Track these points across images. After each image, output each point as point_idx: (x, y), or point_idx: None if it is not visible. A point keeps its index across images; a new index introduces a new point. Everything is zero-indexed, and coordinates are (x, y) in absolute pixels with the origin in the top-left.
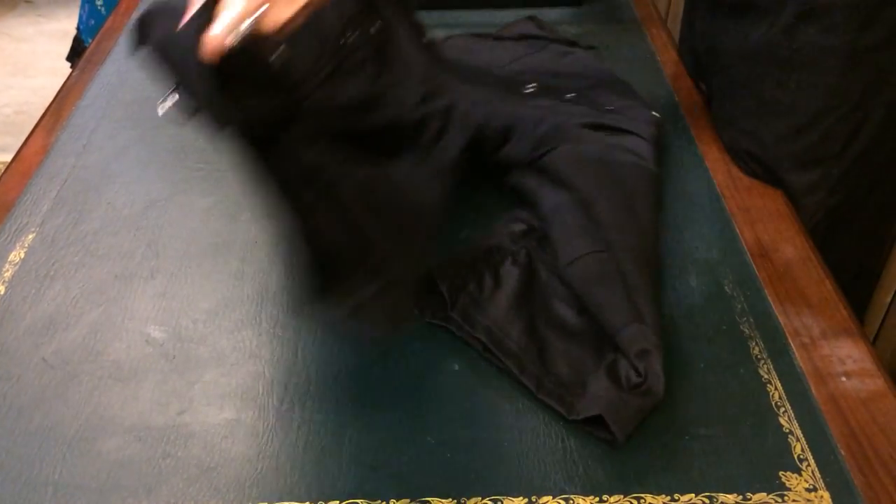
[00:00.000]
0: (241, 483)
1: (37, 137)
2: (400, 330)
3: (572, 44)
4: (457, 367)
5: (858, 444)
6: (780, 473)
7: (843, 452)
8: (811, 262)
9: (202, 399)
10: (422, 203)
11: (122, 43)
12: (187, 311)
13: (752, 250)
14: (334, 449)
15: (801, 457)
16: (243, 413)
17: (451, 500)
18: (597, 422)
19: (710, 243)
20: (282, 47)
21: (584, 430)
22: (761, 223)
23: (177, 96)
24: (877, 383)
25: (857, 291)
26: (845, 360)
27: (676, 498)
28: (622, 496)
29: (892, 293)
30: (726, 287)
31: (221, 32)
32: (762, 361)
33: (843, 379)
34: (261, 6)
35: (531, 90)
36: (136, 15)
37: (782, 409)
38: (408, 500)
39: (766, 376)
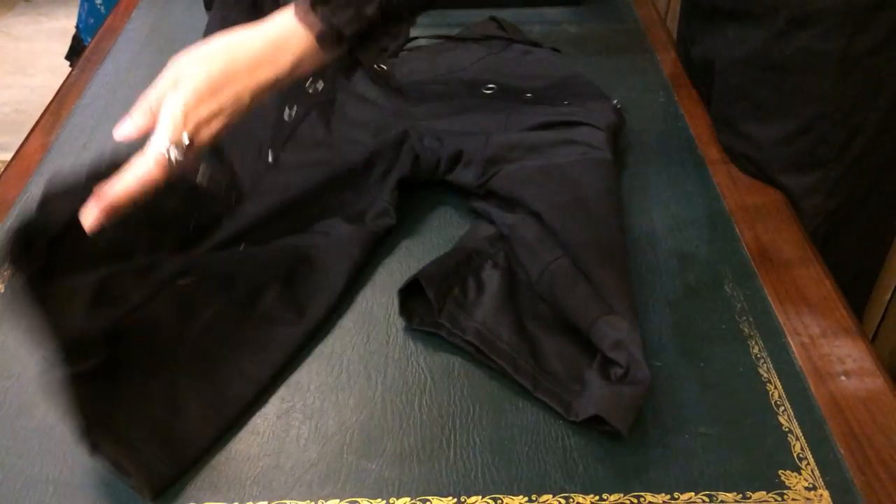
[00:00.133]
0: (242, 481)
1: (36, 136)
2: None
3: (535, 44)
4: (457, 366)
5: (858, 443)
6: (780, 472)
7: (842, 451)
8: (810, 261)
9: None
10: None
11: (122, 42)
12: None
13: (752, 250)
14: (335, 447)
15: (801, 455)
16: (244, 412)
17: (451, 498)
18: (598, 417)
19: (710, 243)
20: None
21: (586, 427)
22: (761, 223)
23: None
24: (876, 382)
25: (856, 291)
26: (845, 359)
27: (676, 496)
28: (622, 494)
29: (891, 291)
30: (726, 286)
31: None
32: (762, 360)
33: (843, 378)
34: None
35: (490, 91)
36: (136, 14)
37: (782, 408)
38: (408, 499)
39: (765, 375)
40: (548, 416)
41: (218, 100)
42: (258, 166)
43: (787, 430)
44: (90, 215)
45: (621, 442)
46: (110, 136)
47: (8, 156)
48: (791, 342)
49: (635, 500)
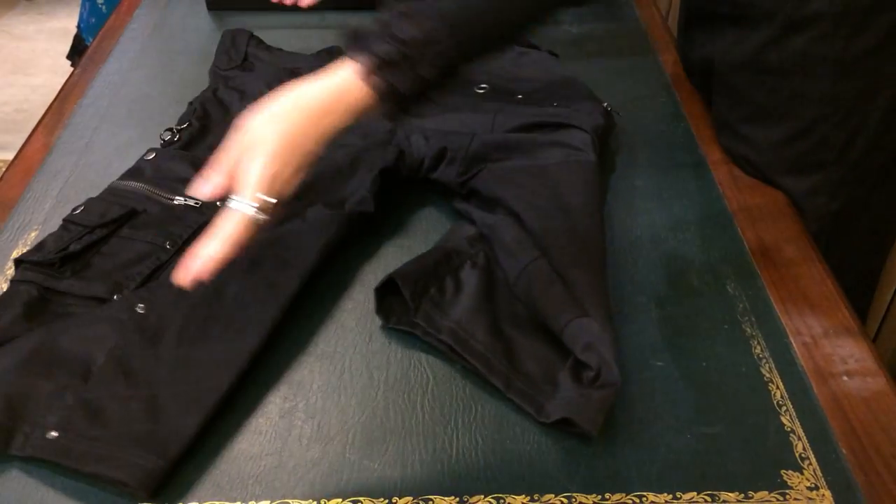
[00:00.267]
0: (245, 480)
1: (38, 136)
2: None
3: (533, 46)
4: (459, 366)
5: (860, 443)
6: (782, 472)
7: (844, 451)
8: (812, 261)
9: None
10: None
11: (124, 41)
12: None
13: (754, 250)
14: (337, 447)
15: (803, 455)
16: (246, 410)
17: (453, 497)
18: (569, 419)
19: (712, 243)
20: None
21: (558, 429)
22: (763, 223)
23: None
24: (878, 382)
25: (859, 291)
26: (847, 359)
27: (678, 496)
28: (624, 494)
29: (893, 291)
30: (728, 286)
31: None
32: (764, 360)
33: (845, 378)
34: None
35: (482, 91)
36: (137, 13)
37: (784, 408)
38: (410, 499)
39: (767, 375)
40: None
41: (295, 158)
42: None
43: (789, 429)
44: (185, 275)
45: (624, 442)
46: (112, 135)
47: (9, 155)
48: (793, 342)
49: (637, 500)
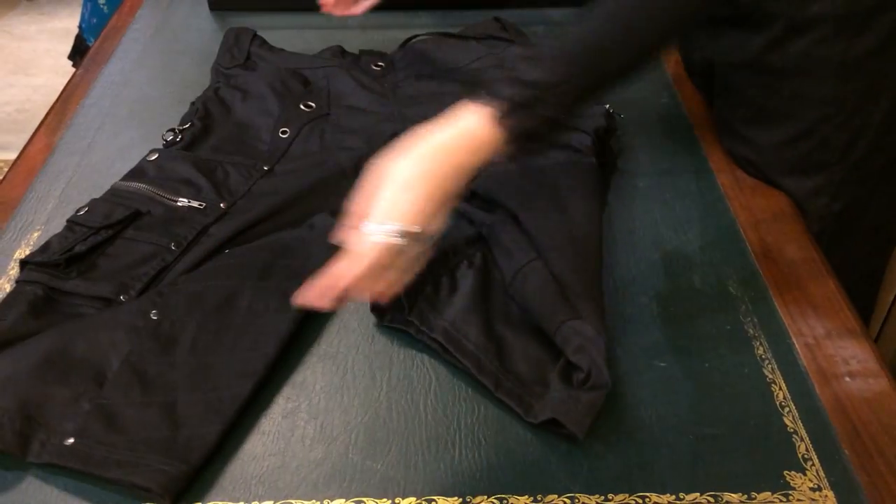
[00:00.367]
0: (248, 480)
1: (41, 136)
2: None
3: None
4: (462, 367)
5: (862, 444)
6: (785, 473)
7: (847, 452)
8: (815, 262)
9: None
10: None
11: (127, 42)
12: None
13: (757, 251)
14: (340, 447)
15: (806, 456)
16: (250, 410)
17: (457, 498)
18: (557, 420)
19: (715, 244)
20: None
21: (545, 430)
22: (765, 224)
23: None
24: (881, 383)
25: (861, 292)
26: (849, 360)
27: (681, 497)
28: (627, 495)
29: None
30: (731, 287)
31: None
32: (766, 361)
33: (848, 379)
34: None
35: None
36: (140, 14)
37: (787, 409)
38: (413, 499)
39: (770, 376)
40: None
41: (438, 196)
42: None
43: (791, 430)
44: (325, 301)
45: (626, 442)
46: (114, 136)
47: (10, 155)
48: (796, 343)
49: (640, 501)
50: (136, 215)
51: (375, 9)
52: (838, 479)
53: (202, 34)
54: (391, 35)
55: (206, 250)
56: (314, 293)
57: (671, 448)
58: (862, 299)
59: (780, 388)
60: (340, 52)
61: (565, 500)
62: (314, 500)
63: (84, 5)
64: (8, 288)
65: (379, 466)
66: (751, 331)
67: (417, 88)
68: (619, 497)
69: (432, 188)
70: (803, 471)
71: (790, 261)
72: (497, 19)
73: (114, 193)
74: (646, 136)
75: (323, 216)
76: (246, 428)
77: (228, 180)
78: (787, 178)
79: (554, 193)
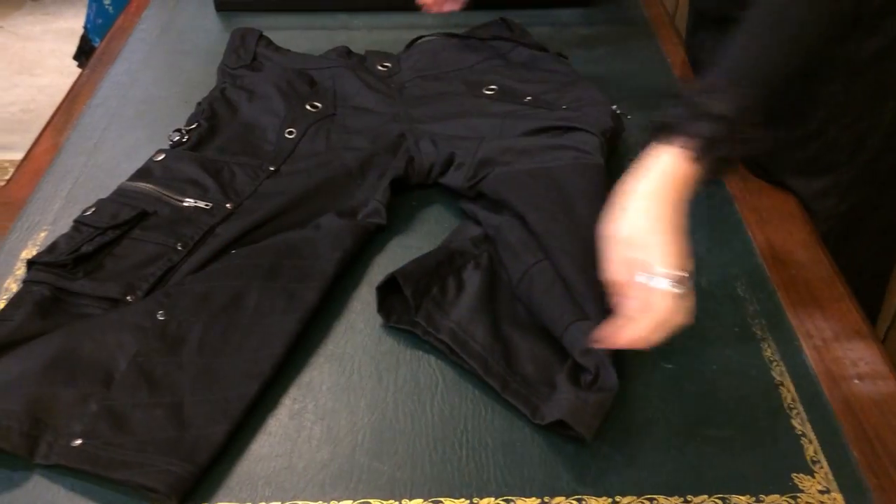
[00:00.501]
0: (254, 481)
1: (47, 136)
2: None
3: (541, 48)
4: (469, 368)
5: (871, 447)
6: (793, 475)
7: (856, 454)
8: (823, 264)
9: None
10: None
11: (133, 42)
12: None
13: (764, 252)
14: (347, 448)
15: (814, 458)
16: (256, 411)
17: (464, 499)
18: (564, 422)
19: (722, 245)
20: None
21: (552, 432)
22: (773, 225)
23: None
24: (889, 385)
25: (868, 293)
26: (858, 362)
27: (689, 499)
28: (635, 497)
29: None
30: (738, 289)
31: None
32: (774, 363)
33: (856, 381)
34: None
35: (491, 92)
36: (146, 14)
37: (795, 411)
38: (420, 500)
39: (778, 378)
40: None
41: (678, 238)
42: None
43: (800, 432)
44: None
45: (634, 444)
46: (121, 136)
47: (15, 155)
48: (804, 345)
49: (648, 503)
50: (142, 215)
51: (381, 9)
52: (847, 481)
53: (208, 35)
54: (397, 35)
55: (212, 251)
56: (612, 340)
57: (679, 450)
58: (869, 300)
59: (789, 390)
60: (346, 52)
61: (573, 501)
62: (321, 501)
63: (89, 6)
64: (15, 288)
65: (385, 467)
66: (758, 332)
67: (423, 89)
68: (627, 499)
69: (676, 233)
70: (812, 473)
71: (798, 262)
72: (503, 20)
73: (120, 194)
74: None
75: (329, 216)
76: (252, 428)
77: (235, 181)
78: (794, 178)
79: (561, 195)
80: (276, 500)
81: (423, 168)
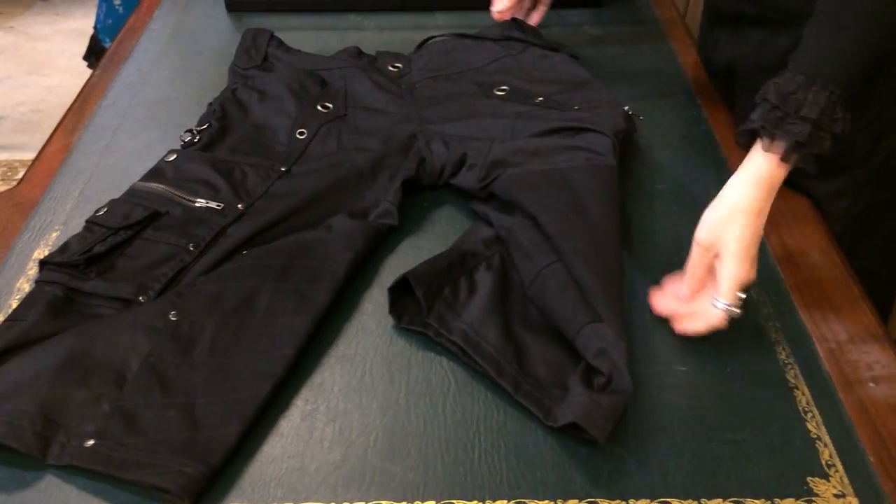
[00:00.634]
0: (266, 482)
1: (59, 136)
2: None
3: (553, 48)
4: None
5: (887, 450)
6: (808, 479)
7: (871, 459)
8: (837, 266)
9: None
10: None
11: (144, 42)
12: None
13: (778, 255)
14: (359, 449)
15: (829, 462)
16: (268, 412)
17: (476, 502)
18: (577, 424)
19: None
20: None
21: (565, 434)
22: (787, 227)
23: None
24: None
25: (883, 295)
26: (873, 365)
27: (703, 503)
28: (648, 500)
29: None
30: (752, 291)
31: None
32: (789, 366)
33: (871, 385)
34: None
35: (502, 93)
36: (157, 14)
37: (810, 415)
38: (433, 502)
39: (793, 381)
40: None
41: (754, 251)
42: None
43: (815, 436)
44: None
45: (648, 447)
46: (132, 136)
47: (25, 155)
48: (818, 348)
49: None
50: (154, 216)
51: (391, 10)
52: (863, 485)
53: (220, 35)
54: (408, 36)
55: (224, 251)
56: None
57: (693, 453)
58: (883, 302)
59: (803, 394)
60: (357, 53)
61: None
62: (333, 503)
63: (99, 6)
64: (27, 288)
65: (398, 469)
66: (773, 335)
67: (434, 89)
68: (641, 502)
69: (752, 248)
70: (827, 477)
71: (812, 264)
72: (514, 20)
73: (132, 194)
74: (664, 138)
75: (341, 217)
76: (264, 430)
77: (246, 181)
78: (809, 179)
79: (573, 196)
80: (288, 502)
81: (435, 169)
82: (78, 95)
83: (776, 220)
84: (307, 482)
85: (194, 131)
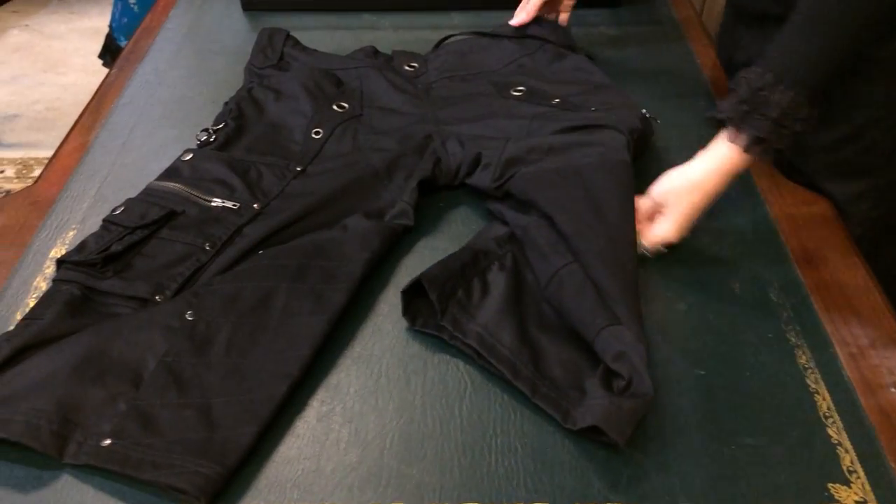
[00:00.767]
0: (282, 484)
1: (76, 135)
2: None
3: (570, 47)
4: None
5: None
6: (829, 485)
7: (893, 465)
8: (858, 269)
9: None
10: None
11: (160, 41)
12: None
13: (798, 257)
14: (375, 451)
15: (851, 469)
16: (283, 414)
17: None
18: (596, 427)
19: (755, 250)
20: None
21: (584, 438)
22: (806, 230)
23: None
24: None
25: None
26: (895, 370)
27: None
28: None
29: None
30: (771, 294)
31: None
32: (809, 371)
33: (893, 389)
34: None
35: (519, 94)
36: (173, 13)
37: (830, 420)
38: None
39: (813, 386)
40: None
41: (688, 224)
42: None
43: (836, 442)
44: None
45: (666, 452)
46: (149, 135)
47: (40, 153)
48: (839, 352)
49: None
50: (170, 215)
51: (407, 9)
52: (885, 492)
53: (236, 34)
54: (423, 35)
55: (240, 251)
56: None
57: (712, 458)
58: None
59: (824, 399)
60: (373, 52)
61: None
62: None
63: (115, 4)
64: (44, 286)
65: (414, 471)
66: (793, 339)
67: (451, 90)
68: None
69: (693, 215)
70: (848, 483)
71: (832, 268)
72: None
73: (149, 193)
74: (682, 139)
75: (357, 217)
76: (280, 430)
77: (262, 181)
78: (830, 181)
79: (590, 194)
80: (304, 503)
81: (451, 169)
82: (94, 94)
83: (796, 222)
84: (323, 484)
85: (210, 130)
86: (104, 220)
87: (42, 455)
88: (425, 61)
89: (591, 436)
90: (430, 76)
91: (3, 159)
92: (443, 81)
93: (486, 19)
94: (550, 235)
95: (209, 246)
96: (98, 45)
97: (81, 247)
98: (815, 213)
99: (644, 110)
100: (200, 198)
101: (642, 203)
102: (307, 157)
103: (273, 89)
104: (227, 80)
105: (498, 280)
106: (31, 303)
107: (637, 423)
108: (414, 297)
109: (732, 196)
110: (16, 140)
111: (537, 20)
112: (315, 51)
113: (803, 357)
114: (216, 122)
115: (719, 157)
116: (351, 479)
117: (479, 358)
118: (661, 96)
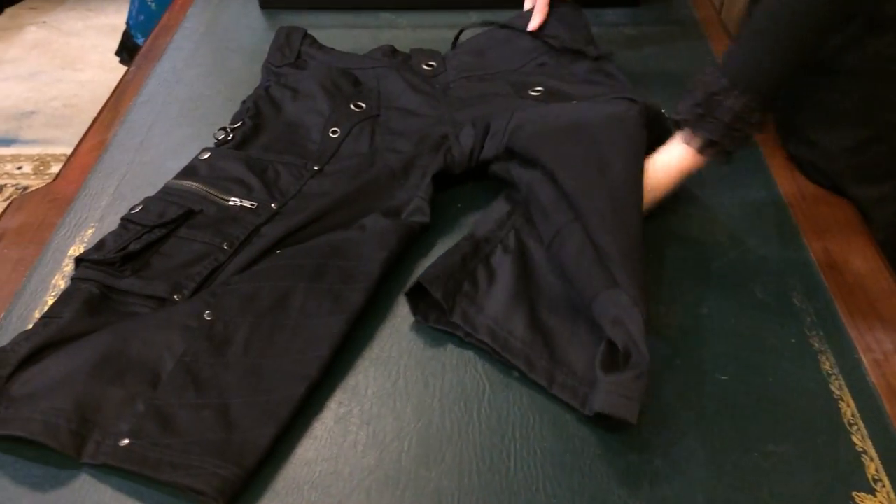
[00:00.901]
0: (300, 485)
1: (94, 133)
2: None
3: (589, 42)
4: (515, 373)
5: None
6: (854, 494)
7: None
8: (882, 274)
9: None
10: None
11: (179, 40)
12: None
13: (821, 262)
14: (393, 454)
15: (876, 477)
16: (301, 415)
17: None
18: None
19: (777, 254)
20: None
21: (603, 423)
22: (830, 234)
23: None
24: None
25: None
26: None
27: None
28: None
29: None
30: (794, 299)
31: None
32: (833, 377)
33: None
34: None
35: (536, 94)
36: (191, 12)
37: (855, 427)
38: None
39: (837, 392)
40: (611, 427)
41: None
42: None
43: (860, 449)
44: None
45: (688, 458)
46: (167, 134)
47: (57, 149)
48: (863, 358)
49: None
50: (188, 214)
51: (426, 7)
52: None
53: (253, 33)
54: (441, 34)
55: (257, 250)
56: None
57: (734, 465)
58: None
59: (848, 405)
60: (391, 51)
61: None
62: None
63: (132, 2)
64: (62, 285)
65: (432, 475)
66: (816, 345)
67: (468, 90)
68: None
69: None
70: (873, 492)
71: (856, 272)
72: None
73: (167, 192)
74: None
75: (374, 217)
76: (298, 432)
77: (279, 180)
78: (853, 184)
79: (595, 149)
80: None
81: (464, 154)
82: (113, 92)
83: (819, 226)
84: (341, 486)
85: (228, 129)
86: (122, 219)
87: (60, 454)
88: (443, 60)
89: (604, 422)
90: (448, 76)
91: (20, 155)
92: (461, 81)
93: (504, 18)
94: (552, 192)
95: (227, 245)
96: (115, 42)
97: (100, 245)
98: (839, 216)
99: (663, 110)
100: (218, 197)
101: None
102: (324, 157)
103: (290, 88)
104: (245, 78)
105: (503, 264)
106: (50, 301)
107: (642, 394)
108: (424, 295)
109: (754, 198)
110: (33, 136)
111: (555, 14)
112: (332, 49)
113: (827, 363)
114: (233, 121)
115: (675, 156)
116: (369, 482)
117: (493, 353)
118: (680, 96)
